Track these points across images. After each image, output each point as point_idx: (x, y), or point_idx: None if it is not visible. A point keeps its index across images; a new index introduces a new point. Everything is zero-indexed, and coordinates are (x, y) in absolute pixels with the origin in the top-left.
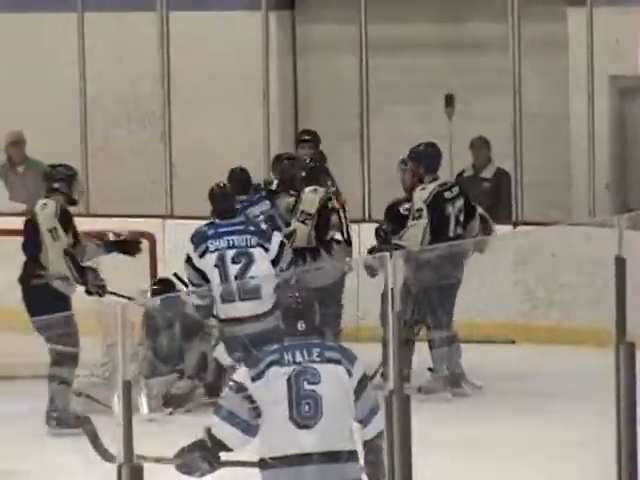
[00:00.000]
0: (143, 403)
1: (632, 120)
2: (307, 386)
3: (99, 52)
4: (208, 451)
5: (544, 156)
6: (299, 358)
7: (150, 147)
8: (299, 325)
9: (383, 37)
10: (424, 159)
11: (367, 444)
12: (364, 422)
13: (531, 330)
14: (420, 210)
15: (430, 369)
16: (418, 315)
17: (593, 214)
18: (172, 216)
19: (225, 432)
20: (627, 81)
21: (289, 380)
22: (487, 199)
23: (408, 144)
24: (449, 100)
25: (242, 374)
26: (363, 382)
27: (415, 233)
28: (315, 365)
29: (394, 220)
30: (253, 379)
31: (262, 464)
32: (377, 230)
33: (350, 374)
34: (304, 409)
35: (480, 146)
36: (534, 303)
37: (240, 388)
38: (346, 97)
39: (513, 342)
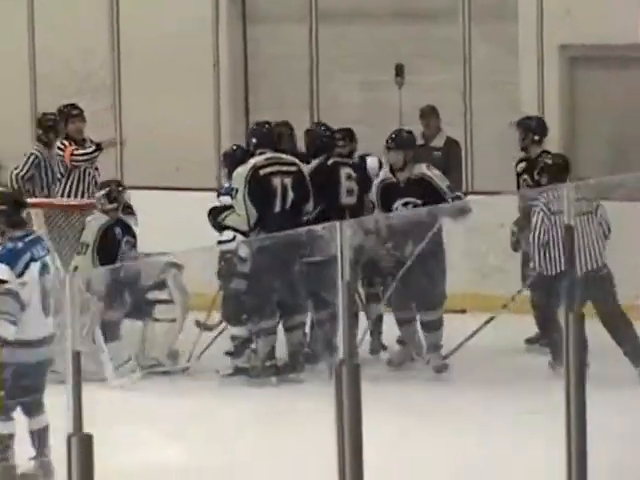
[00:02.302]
0: (109, 369)
1: (581, 89)
2: None
3: (49, 24)
4: None
5: (493, 125)
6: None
7: (100, 119)
8: None
9: (333, 7)
10: None
11: None
12: None
13: (481, 299)
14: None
15: (399, 341)
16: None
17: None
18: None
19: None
20: (577, 50)
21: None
22: (438, 168)
23: (358, 113)
24: (399, 70)
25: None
26: None
27: None
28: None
29: None
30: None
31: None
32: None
33: None
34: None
35: (430, 115)
36: (484, 272)
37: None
38: (296, 67)
39: (464, 311)
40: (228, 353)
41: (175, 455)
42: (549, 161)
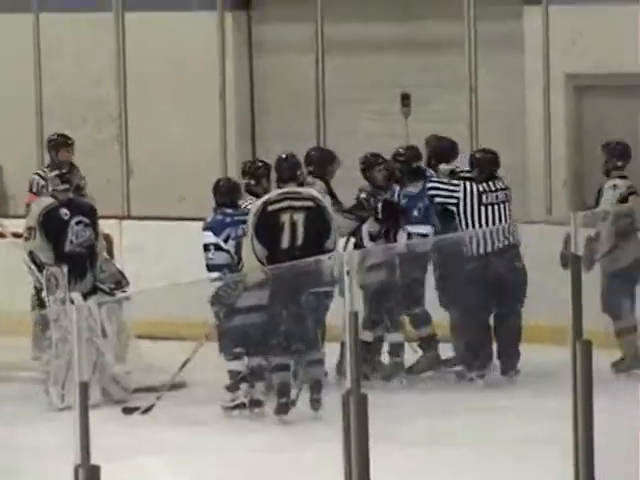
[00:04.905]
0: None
1: (588, 118)
2: None
3: (55, 54)
4: None
5: (500, 154)
6: None
7: (106, 148)
8: None
9: (339, 36)
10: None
11: None
12: None
13: None
14: None
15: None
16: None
17: (550, 212)
18: (129, 217)
19: None
20: (583, 79)
21: None
22: None
23: (364, 143)
24: (405, 99)
25: None
26: None
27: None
28: None
29: None
30: None
31: None
32: None
33: None
34: None
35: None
36: None
37: None
38: (302, 96)
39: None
40: (227, 388)
41: None
42: (479, 155)
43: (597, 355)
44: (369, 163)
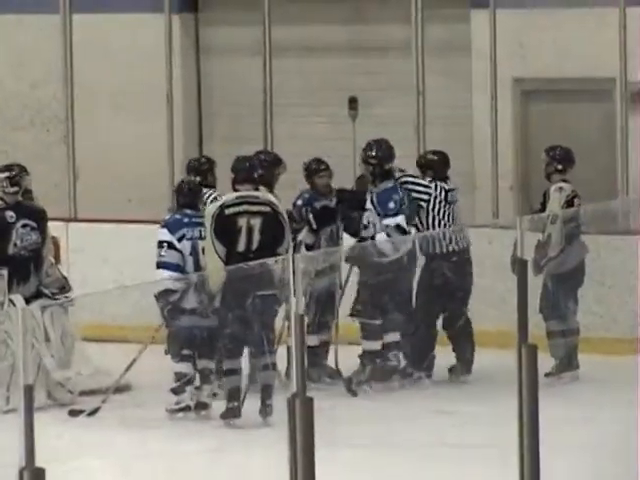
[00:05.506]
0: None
1: (535, 122)
2: None
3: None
4: None
5: None
6: None
7: (53, 151)
8: None
9: (287, 39)
10: None
11: None
12: None
13: None
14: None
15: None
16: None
17: (496, 216)
18: (75, 219)
19: None
20: (530, 83)
21: None
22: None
23: (312, 146)
24: (353, 103)
25: None
26: None
27: None
28: None
29: None
30: None
31: None
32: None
33: None
34: None
35: None
36: None
37: None
38: (250, 99)
39: None
40: (172, 390)
41: None
42: (432, 157)
43: (542, 359)
44: (311, 169)
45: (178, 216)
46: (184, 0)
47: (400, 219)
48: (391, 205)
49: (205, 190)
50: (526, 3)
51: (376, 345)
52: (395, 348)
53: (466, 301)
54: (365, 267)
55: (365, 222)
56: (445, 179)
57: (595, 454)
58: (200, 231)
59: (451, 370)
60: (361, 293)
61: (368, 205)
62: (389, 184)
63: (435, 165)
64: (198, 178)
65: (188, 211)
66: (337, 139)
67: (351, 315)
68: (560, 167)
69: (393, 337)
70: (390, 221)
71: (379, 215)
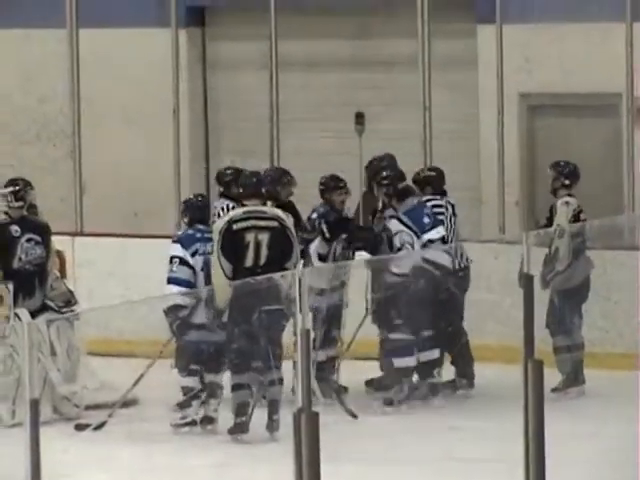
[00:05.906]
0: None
1: (541, 137)
2: None
3: (7, 70)
4: None
5: (454, 173)
6: None
7: (59, 165)
8: None
9: (293, 54)
10: None
11: None
12: None
13: None
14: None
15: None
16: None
17: (503, 231)
18: (82, 233)
19: None
20: (536, 98)
21: None
22: None
23: (318, 161)
24: (359, 118)
25: None
26: None
27: None
28: None
29: None
30: None
31: None
32: None
33: None
34: None
35: None
36: None
37: None
38: (256, 114)
39: None
40: (178, 404)
41: None
42: (429, 173)
43: (548, 374)
44: (330, 187)
45: (191, 231)
46: (191, 15)
47: (441, 229)
48: (426, 220)
49: (221, 200)
50: (532, 18)
51: (411, 362)
52: (437, 365)
53: (463, 316)
54: (421, 281)
55: (398, 245)
56: (443, 194)
57: (600, 469)
58: (212, 246)
59: (451, 384)
60: (400, 308)
61: (399, 227)
62: (412, 201)
63: (433, 181)
64: (221, 189)
65: (200, 226)
66: (343, 154)
67: (388, 331)
68: (567, 182)
69: (433, 354)
70: (432, 234)
71: (416, 234)
